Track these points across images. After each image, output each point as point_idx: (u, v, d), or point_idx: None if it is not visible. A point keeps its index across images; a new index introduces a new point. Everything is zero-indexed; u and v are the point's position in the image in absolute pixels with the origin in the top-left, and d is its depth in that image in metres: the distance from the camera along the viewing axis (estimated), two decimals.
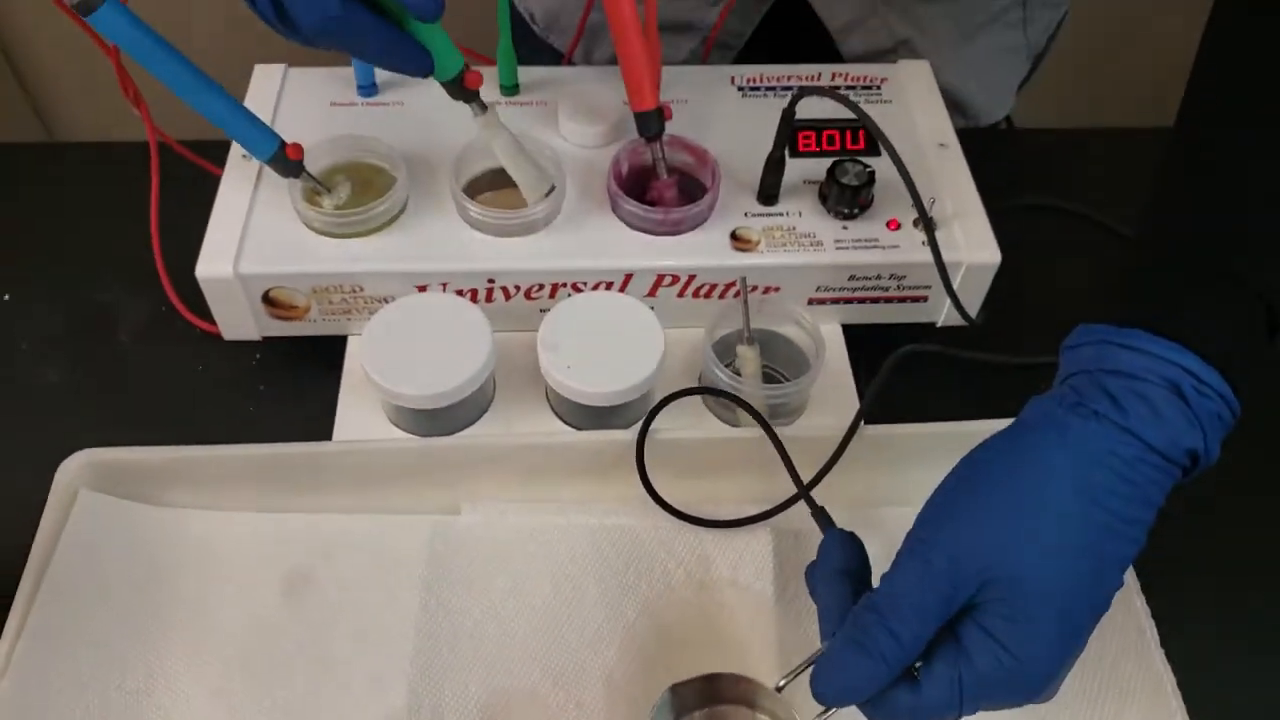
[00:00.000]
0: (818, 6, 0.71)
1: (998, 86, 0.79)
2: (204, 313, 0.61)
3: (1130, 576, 0.52)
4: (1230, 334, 0.40)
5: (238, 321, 0.59)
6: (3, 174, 0.73)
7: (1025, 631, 0.38)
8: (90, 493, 0.52)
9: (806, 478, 0.53)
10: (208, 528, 0.53)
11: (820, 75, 0.68)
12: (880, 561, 0.42)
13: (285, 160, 0.56)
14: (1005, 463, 0.40)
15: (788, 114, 0.56)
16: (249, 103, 0.63)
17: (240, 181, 0.60)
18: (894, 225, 0.60)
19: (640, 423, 0.54)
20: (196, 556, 0.52)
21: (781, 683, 0.42)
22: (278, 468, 0.53)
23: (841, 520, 0.47)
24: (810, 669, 0.40)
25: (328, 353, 0.61)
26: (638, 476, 0.53)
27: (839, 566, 0.43)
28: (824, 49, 0.74)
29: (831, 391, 0.60)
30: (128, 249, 0.65)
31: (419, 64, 0.50)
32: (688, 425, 0.56)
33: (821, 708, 0.41)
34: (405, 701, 0.48)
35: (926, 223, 0.56)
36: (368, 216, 0.57)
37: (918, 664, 0.40)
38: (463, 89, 0.53)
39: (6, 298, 0.65)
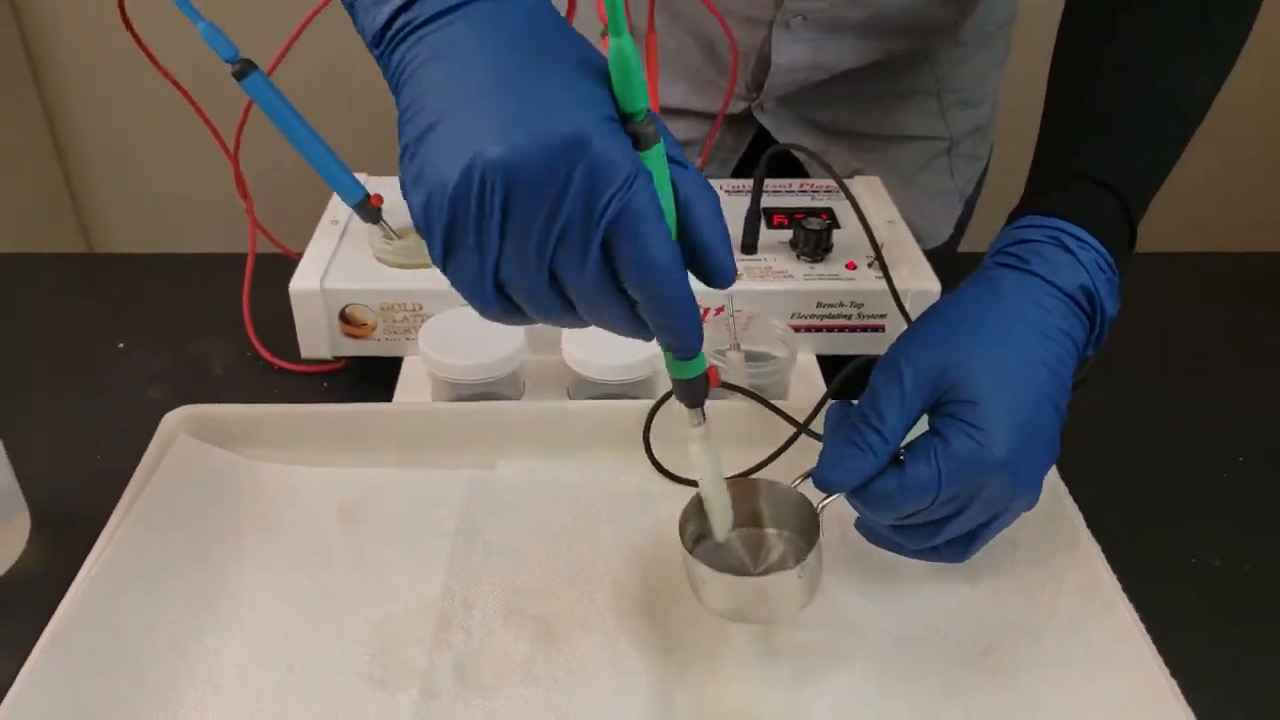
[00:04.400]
0: (784, 140, 0.90)
1: (936, 219, 0.96)
2: (282, 353, 0.74)
3: (1061, 486, 0.61)
4: (1094, 209, 0.54)
5: (315, 338, 0.72)
6: (119, 276, 0.89)
7: (984, 409, 0.47)
8: (187, 437, 0.62)
9: (781, 442, 0.64)
10: (277, 473, 0.63)
11: (790, 185, 0.85)
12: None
13: (368, 207, 0.71)
14: (943, 303, 0.53)
15: (759, 176, 0.72)
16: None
17: (329, 235, 0.75)
18: (851, 266, 0.74)
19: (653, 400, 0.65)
20: (269, 488, 0.62)
21: (796, 482, 0.52)
22: (340, 425, 0.64)
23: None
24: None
25: (386, 377, 0.73)
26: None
27: (841, 411, 0.52)
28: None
29: (806, 397, 0.71)
30: (218, 317, 0.80)
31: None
32: None
33: (821, 496, 0.50)
34: (440, 593, 0.56)
35: (877, 252, 0.70)
36: None
37: (902, 456, 0.49)
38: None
39: (121, 345, 0.79)
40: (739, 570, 0.54)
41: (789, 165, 0.92)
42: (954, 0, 0.83)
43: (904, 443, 0.50)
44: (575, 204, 0.37)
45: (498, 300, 0.40)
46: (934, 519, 0.50)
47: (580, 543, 0.60)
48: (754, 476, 0.55)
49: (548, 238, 0.37)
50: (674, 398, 0.47)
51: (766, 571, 0.54)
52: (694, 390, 0.47)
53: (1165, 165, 0.58)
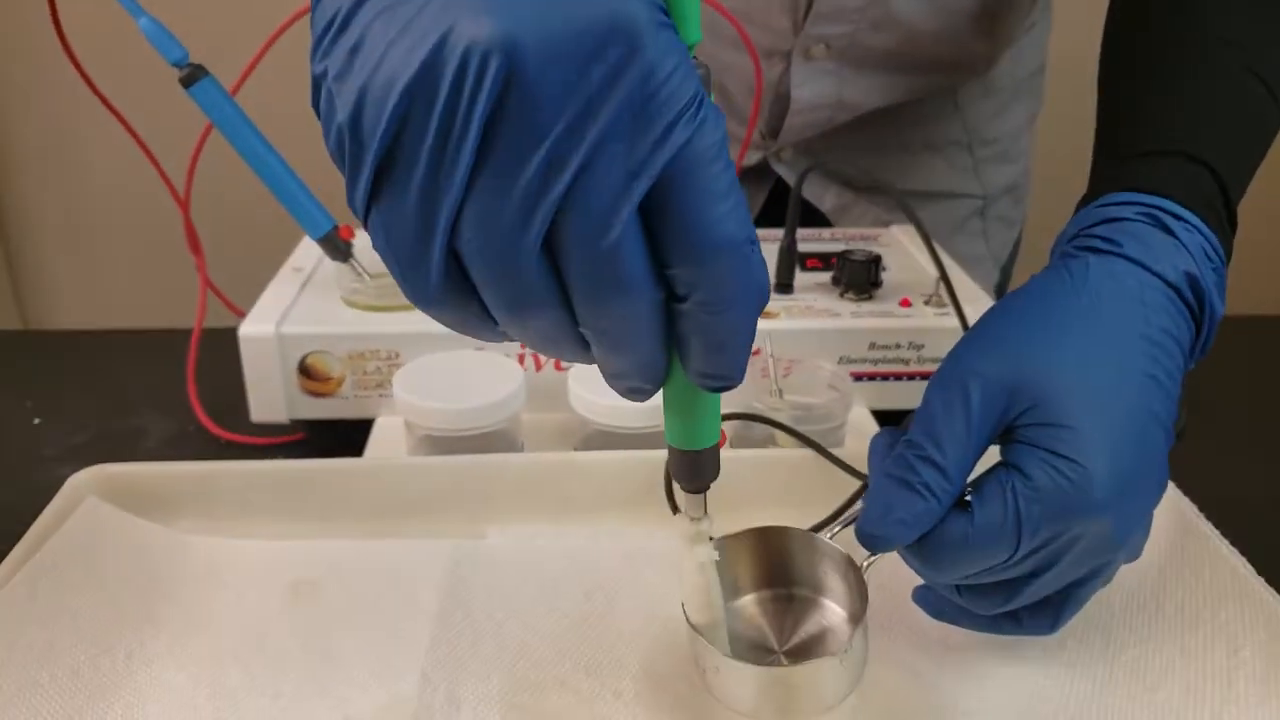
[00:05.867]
0: (808, 194, 0.81)
1: None
2: (231, 426, 0.62)
3: (1208, 526, 0.48)
4: (1191, 186, 0.43)
5: (269, 397, 0.59)
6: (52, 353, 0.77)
7: (1080, 436, 0.36)
8: (97, 500, 0.49)
9: (839, 501, 0.51)
10: (211, 548, 0.49)
11: (821, 234, 0.75)
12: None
13: (336, 241, 0.60)
14: (1014, 298, 0.41)
15: (796, 195, 0.63)
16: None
17: (290, 281, 0.64)
18: (906, 303, 0.63)
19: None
20: (199, 567, 0.48)
21: (829, 535, 0.39)
22: (293, 486, 0.51)
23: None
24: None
25: (355, 445, 0.60)
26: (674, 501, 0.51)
27: (890, 439, 0.41)
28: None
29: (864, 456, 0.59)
30: (159, 391, 0.68)
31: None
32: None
33: (866, 554, 0.38)
34: (417, 686, 0.42)
35: (944, 275, 0.60)
36: None
37: (968, 495, 0.37)
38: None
39: (37, 422, 0.66)
40: (760, 647, 0.42)
41: (815, 220, 0.83)
42: (987, 31, 0.75)
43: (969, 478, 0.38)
44: (619, 119, 0.23)
45: (445, 270, 0.26)
46: (1009, 578, 0.38)
47: (598, 620, 0.46)
48: (783, 526, 0.43)
49: (562, 166, 0.24)
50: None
51: (796, 654, 0.41)
52: (701, 467, 0.33)
53: (1262, 145, 0.48)
